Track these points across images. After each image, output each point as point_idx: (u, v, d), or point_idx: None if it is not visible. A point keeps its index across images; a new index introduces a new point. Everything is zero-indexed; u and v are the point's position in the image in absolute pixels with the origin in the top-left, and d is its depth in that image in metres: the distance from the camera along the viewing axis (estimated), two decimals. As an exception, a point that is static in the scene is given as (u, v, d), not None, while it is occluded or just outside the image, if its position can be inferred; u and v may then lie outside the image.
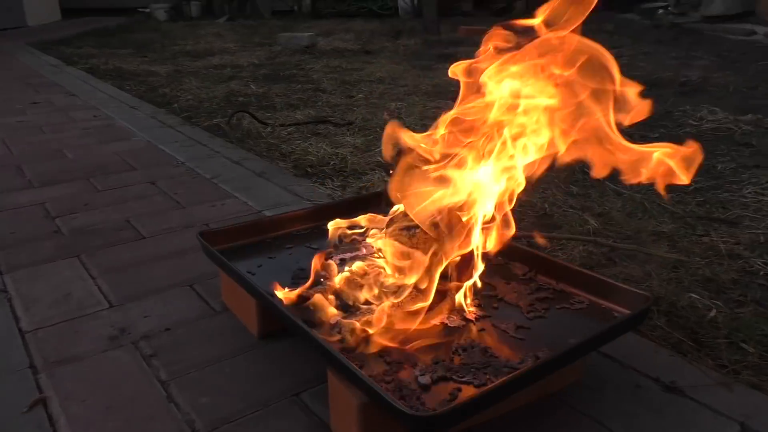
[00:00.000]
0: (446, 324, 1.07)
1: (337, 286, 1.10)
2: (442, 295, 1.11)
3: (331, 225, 1.29)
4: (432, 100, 3.58)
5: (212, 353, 1.20)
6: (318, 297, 1.04)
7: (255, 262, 1.31)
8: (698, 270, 1.60)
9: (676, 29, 6.31)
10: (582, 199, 2.10)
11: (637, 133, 2.79)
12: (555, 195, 2.13)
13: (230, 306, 1.35)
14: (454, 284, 1.12)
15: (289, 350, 1.20)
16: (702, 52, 5.26)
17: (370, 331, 0.99)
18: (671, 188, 2.14)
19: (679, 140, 2.71)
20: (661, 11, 7.15)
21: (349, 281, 1.09)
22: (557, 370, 0.94)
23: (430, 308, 1.07)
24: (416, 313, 1.01)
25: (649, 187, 2.19)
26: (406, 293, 1.03)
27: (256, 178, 2.23)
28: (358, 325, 0.99)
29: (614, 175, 2.38)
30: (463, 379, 0.91)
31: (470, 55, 1.16)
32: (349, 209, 1.47)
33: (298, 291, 1.09)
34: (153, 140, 2.79)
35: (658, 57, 5.08)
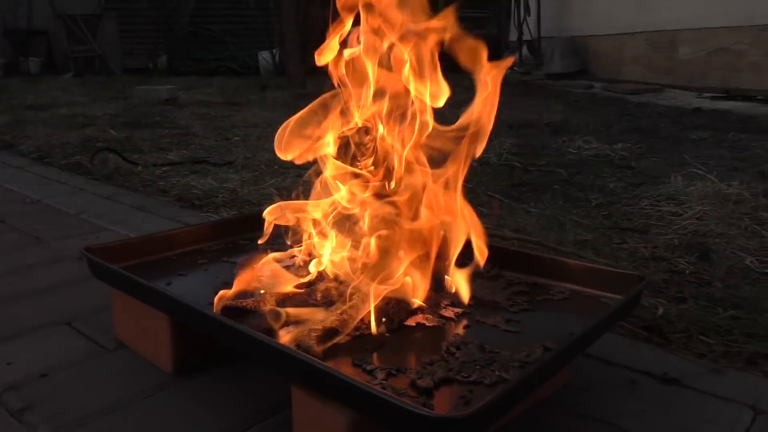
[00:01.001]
0: (423, 324, 0.88)
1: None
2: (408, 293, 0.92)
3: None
4: (315, 139, 3.44)
5: (112, 397, 0.91)
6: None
7: (162, 280, 1.04)
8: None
9: (524, 85, 6.81)
10: (494, 218, 2.03)
11: (527, 162, 2.85)
12: (467, 216, 2.04)
13: (128, 340, 1.06)
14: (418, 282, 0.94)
15: (220, 382, 0.94)
16: (552, 101, 5.66)
17: (340, 333, 0.78)
18: (578, 205, 2.18)
19: (565, 166, 2.76)
20: (508, 71, 7.71)
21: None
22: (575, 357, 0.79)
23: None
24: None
25: (558, 203, 2.20)
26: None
27: (135, 212, 1.92)
28: (321, 326, 0.77)
29: (519, 196, 2.36)
30: (470, 379, 0.73)
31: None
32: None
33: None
34: (-4, 180, 2.35)
35: (518, 106, 5.36)
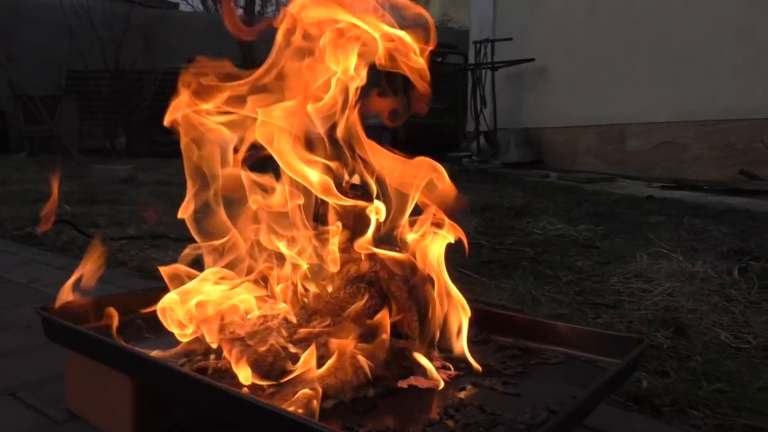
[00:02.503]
0: (416, 386, 0.81)
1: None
2: (398, 355, 0.86)
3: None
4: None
5: (61, 475, 0.80)
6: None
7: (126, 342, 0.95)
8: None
9: (483, 173, 7.00)
10: (467, 293, 1.99)
11: (494, 240, 2.85)
12: (438, 290, 2.00)
13: (82, 411, 0.95)
14: (409, 343, 0.88)
15: (185, 457, 0.84)
16: (511, 188, 5.80)
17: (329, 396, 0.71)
18: (548, 282, 2.16)
19: (532, 245, 2.77)
20: (466, 159, 7.96)
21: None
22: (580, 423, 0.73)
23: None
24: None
25: (528, 280, 2.18)
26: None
27: (90, 282, 1.80)
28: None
29: (490, 272, 2.33)
30: (475, 442, 0.66)
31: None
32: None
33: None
34: (-63, 251, 2.21)
35: (479, 191, 5.47)
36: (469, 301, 1.51)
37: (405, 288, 0.84)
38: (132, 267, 2.08)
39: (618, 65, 6.49)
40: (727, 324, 1.72)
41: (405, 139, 9.04)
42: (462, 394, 0.80)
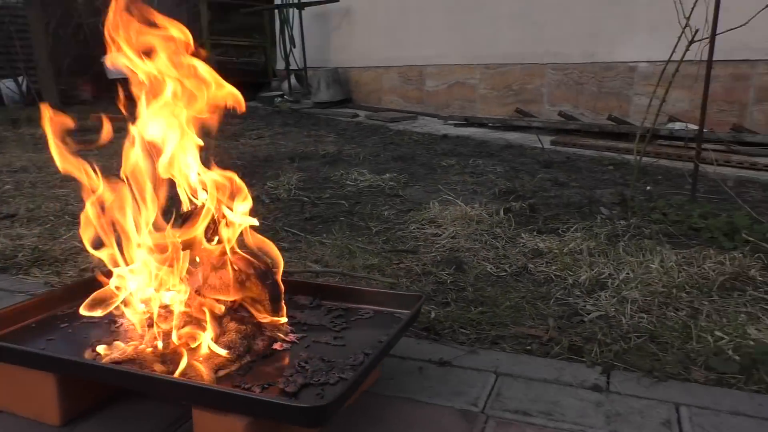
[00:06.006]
0: (276, 349, 1.18)
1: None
2: (259, 328, 1.21)
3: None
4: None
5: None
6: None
7: (34, 345, 1.18)
8: (408, 288, 2.01)
9: (296, 114, 7.28)
10: (295, 251, 2.36)
11: (313, 195, 3.23)
12: (271, 251, 2.34)
13: (4, 405, 1.17)
14: (266, 319, 1.24)
15: (104, 425, 1.13)
16: (324, 131, 6.19)
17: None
18: (361, 233, 2.61)
19: (345, 197, 3.18)
20: (278, 99, 8.14)
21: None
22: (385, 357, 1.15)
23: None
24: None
25: (345, 233, 2.60)
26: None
27: (-65, 280, 1.87)
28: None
29: (312, 229, 2.69)
30: (320, 381, 1.05)
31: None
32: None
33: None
34: None
35: (294, 136, 5.78)
36: (296, 266, 1.87)
37: (261, 283, 1.18)
38: None
39: (415, 12, 7.04)
40: (492, 258, 2.29)
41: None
42: (308, 351, 1.18)
